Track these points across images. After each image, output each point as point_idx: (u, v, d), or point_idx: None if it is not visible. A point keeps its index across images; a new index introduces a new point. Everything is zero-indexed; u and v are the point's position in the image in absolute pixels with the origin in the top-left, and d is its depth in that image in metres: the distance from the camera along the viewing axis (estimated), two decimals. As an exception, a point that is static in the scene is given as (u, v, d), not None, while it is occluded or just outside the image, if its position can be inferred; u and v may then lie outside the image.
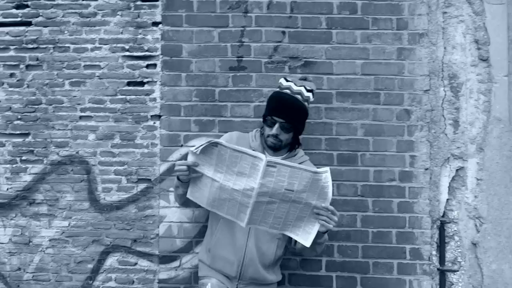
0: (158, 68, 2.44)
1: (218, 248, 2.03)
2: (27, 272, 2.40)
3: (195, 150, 1.81)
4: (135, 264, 2.36)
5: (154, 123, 2.42)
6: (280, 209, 1.82)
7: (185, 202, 2.14)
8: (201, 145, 1.81)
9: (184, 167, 1.88)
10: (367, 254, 2.35)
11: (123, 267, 2.37)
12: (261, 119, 2.42)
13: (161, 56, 2.45)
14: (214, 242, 2.04)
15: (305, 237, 1.85)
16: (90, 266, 2.37)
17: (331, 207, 1.78)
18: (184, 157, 2.40)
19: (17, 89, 2.47)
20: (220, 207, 1.90)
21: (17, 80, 2.47)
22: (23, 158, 2.44)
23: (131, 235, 2.38)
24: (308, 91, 2.06)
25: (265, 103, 2.43)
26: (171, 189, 2.39)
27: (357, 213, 2.37)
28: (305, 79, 2.20)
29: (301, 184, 1.76)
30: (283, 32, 2.43)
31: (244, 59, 2.44)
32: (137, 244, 2.37)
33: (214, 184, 1.87)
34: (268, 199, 1.79)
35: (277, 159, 1.78)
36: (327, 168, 1.74)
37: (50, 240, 2.40)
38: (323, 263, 2.36)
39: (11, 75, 2.48)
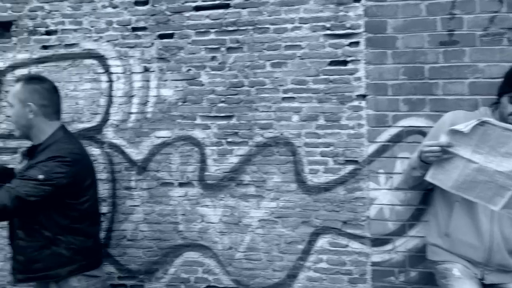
0: (362, 46, 2.40)
1: (459, 232, 1.99)
2: (239, 251, 2.52)
3: (465, 129, 1.73)
4: (346, 246, 2.40)
5: (360, 103, 2.40)
6: (545, 192, 1.71)
7: (417, 185, 2.09)
8: (470, 123, 1.75)
9: (438, 148, 1.85)
10: None
11: (334, 248, 2.42)
12: (477, 97, 2.30)
13: (364, 33, 2.41)
14: (453, 226, 2.00)
15: None
16: (301, 247, 2.44)
17: None
18: (395, 137, 2.38)
19: (219, 72, 2.54)
20: (469, 190, 1.84)
21: (219, 63, 2.54)
22: (229, 140, 2.53)
23: (341, 217, 2.40)
24: (554, 64, 1.90)
25: (481, 80, 2.32)
26: (381, 170, 2.39)
27: None
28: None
29: None
30: (500, 1, 2.27)
31: (455, 32, 2.33)
32: (347, 226, 2.40)
33: (470, 165, 1.81)
34: (535, 181, 1.69)
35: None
36: None
37: (259, 220, 2.50)
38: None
39: (213, 58, 2.55)
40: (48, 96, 2.11)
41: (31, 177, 1.93)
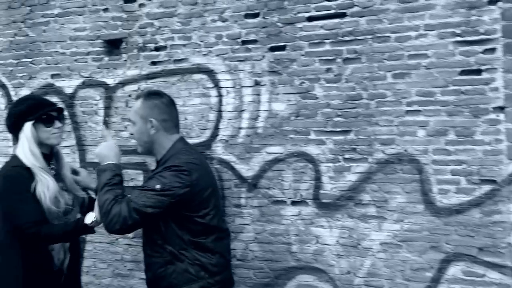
0: (499, 53, 2.22)
1: None
2: (358, 277, 2.38)
3: None
4: (483, 275, 2.21)
5: (497, 116, 2.21)
6: None
7: None
8: None
9: None
10: None
11: (469, 278, 2.23)
12: None
13: (502, 38, 2.23)
14: None
15: None
16: (429, 274, 2.27)
17: None
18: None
19: (335, 85, 2.44)
20: None
21: (335, 75, 2.44)
22: (346, 156, 2.41)
23: (476, 243, 2.21)
24: None
25: None
26: (524, 192, 2.09)
27: None
28: None
29: None
30: None
31: None
32: (484, 253, 2.20)
33: None
34: None
35: None
36: None
37: (381, 243, 2.35)
38: None
39: (328, 70, 2.44)
40: (168, 111, 2.10)
41: (148, 188, 1.92)
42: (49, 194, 1.98)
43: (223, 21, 2.65)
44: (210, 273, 1.98)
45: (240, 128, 2.61)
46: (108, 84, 2.88)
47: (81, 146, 2.92)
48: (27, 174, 1.98)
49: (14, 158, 2.04)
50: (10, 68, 3.10)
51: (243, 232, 2.60)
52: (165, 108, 2.09)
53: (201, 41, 2.69)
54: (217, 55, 2.66)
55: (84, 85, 2.93)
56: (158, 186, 1.89)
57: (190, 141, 2.65)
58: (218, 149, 2.64)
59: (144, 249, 2.10)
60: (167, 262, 1.97)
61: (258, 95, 2.58)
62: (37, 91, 3.02)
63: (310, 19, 2.49)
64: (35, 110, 2.03)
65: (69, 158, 2.93)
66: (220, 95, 2.66)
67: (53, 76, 3.00)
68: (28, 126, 2.00)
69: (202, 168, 2.06)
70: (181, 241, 1.96)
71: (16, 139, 2.07)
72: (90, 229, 2.02)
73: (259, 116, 2.57)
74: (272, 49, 2.55)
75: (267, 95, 2.56)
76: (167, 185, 1.89)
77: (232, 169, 2.61)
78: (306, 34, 2.50)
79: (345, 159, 2.42)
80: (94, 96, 2.89)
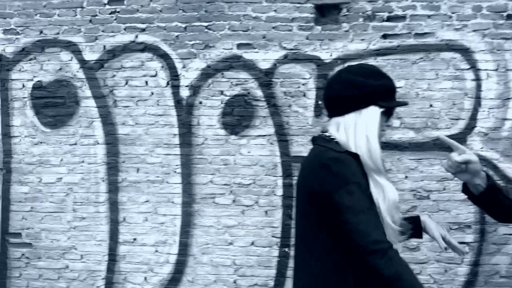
0: None
1: None
2: None
3: None
4: None
5: None
6: None
7: None
8: None
9: None
10: None
11: None
12: None
13: None
14: None
15: None
16: None
17: None
18: None
19: None
20: None
21: None
22: None
23: None
24: None
25: None
26: None
27: None
28: None
29: None
30: None
31: None
32: None
33: None
34: None
35: None
36: None
37: None
38: None
39: None
40: None
41: None
42: (387, 204, 1.39)
43: (485, -9, 2.27)
44: None
45: (505, 119, 2.22)
46: (322, 60, 2.36)
47: (282, 136, 2.36)
48: (359, 167, 1.40)
49: (332, 143, 1.34)
50: (176, 34, 2.48)
51: (508, 243, 2.21)
52: None
53: (452, 13, 2.27)
54: (475, 31, 2.26)
55: (287, 59, 2.39)
56: None
57: (437, 133, 2.24)
58: (475, 144, 2.23)
59: None
60: None
61: (531, 80, 2.23)
62: (216, 63, 2.43)
63: None
64: (392, 96, 1.38)
65: (266, 150, 2.37)
66: (478, 79, 2.25)
67: (240, 46, 2.43)
68: (377, 113, 1.33)
69: None
70: None
71: (333, 114, 1.38)
72: None
73: (531, 105, 2.22)
74: (548, 27, 2.23)
75: (546, 81, 2.22)
76: None
77: (495, 168, 2.21)
78: None
79: None
80: (301, 73, 2.36)
